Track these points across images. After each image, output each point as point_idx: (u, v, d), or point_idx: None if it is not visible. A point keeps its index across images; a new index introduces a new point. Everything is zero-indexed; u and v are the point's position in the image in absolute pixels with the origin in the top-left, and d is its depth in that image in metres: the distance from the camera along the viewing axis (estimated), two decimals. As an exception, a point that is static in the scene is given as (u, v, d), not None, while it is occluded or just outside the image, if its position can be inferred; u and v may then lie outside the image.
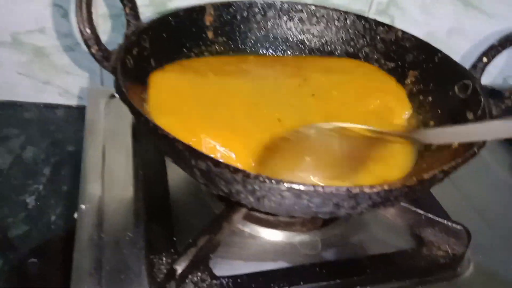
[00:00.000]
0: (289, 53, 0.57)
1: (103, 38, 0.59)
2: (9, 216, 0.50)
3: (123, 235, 0.41)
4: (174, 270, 0.34)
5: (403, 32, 0.53)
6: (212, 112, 0.43)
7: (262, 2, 0.55)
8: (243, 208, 0.41)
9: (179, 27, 0.50)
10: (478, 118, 0.40)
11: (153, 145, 0.47)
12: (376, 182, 0.30)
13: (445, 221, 0.42)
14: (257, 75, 0.51)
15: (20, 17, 0.58)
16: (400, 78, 0.52)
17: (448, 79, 0.47)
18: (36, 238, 0.49)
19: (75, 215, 0.42)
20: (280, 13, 0.56)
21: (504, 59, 0.71)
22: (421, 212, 0.43)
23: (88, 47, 0.38)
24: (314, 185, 0.29)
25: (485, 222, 0.48)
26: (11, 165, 0.56)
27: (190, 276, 0.36)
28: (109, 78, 0.40)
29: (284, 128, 0.43)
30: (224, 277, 0.37)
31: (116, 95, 0.39)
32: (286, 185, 0.29)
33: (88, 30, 0.37)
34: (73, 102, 0.66)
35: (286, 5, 0.56)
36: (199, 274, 0.36)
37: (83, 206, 0.43)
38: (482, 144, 0.34)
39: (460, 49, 0.69)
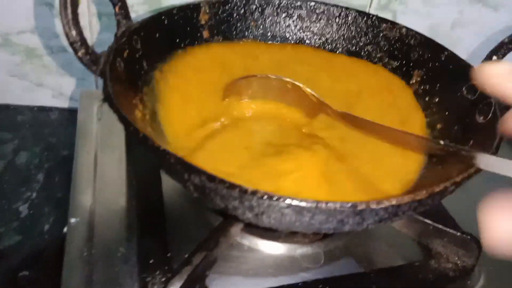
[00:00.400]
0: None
1: (97, 38, 0.59)
2: (1, 226, 0.48)
3: (115, 250, 0.39)
4: (169, 291, 0.32)
5: (408, 29, 0.50)
6: None
7: (259, -1, 0.53)
8: (241, 221, 0.39)
9: (172, 26, 0.48)
10: (489, 122, 0.38)
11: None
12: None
13: (454, 231, 0.40)
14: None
15: (10, 17, 0.56)
16: (405, 77, 0.50)
17: (455, 79, 0.44)
18: (29, 249, 0.47)
19: (65, 230, 0.40)
20: (278, 10, 0.54)
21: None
22: (429, 221, 0.41)
23: (75, 50, 0.36)
24: (317, 202, 0.27)
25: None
26: (3, 171, 0.54)
27: (185, 296, 0.34)
28: (104, 80, 0.38)
29: None
30: (222, 295, 0.35)
31: (108, 100, 0.36)
32: (286, 201, 0.27)
33: (74, 33, 0.35)
34: (67, 104, 0.65)
35: (284, 2, 0.54)
36: (195, 293, 0.34)
37: (73, 220, 0.41)
38: (494, 153, 0.32)
39: (465, 43, 0.68)
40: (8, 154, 0.56)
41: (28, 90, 0.63)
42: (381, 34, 0.52)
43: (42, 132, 0.61)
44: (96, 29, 0.58)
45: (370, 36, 0.53)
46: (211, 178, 0.27)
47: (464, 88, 0.43)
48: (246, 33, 0.54)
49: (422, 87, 0.48)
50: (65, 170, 0.55)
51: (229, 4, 0.52)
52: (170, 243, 0.39)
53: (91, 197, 0.43)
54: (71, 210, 0.42)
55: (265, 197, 0.27)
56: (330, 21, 0.54)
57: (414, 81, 0.49)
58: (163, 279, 0.35)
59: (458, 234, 0.40)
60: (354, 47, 0.54)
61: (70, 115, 0.63)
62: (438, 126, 0.45)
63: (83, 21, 0.56)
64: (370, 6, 0.62)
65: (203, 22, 0.51)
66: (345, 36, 0.54)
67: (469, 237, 0.40)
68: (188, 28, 0.50)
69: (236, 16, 0.52)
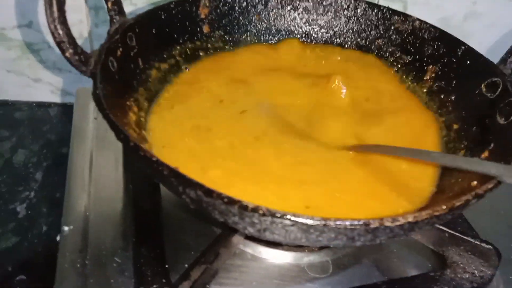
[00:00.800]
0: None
1: (95, 32, 0.56)
2: (-2, 227, 0.47)
3: (110, 261, 0.37)
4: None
5: (421, 22, 0.48)
6: None
7: (263, -10, 0.50)
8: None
9: (170, 21, 0.45)
10: (511, 124, 0.35)
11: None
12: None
13: (472, 240, 0.38)
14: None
15: (5, 12, 0.55)
16: (418, 73, 0.48)
17: (473, 76, 0.42)
18: (26, 251, 0.45)
19: (58, 238, 0.38)
20: (283, 2, 0.52)
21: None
22: (444, 229, 0.38)
23: (62, 50, 0.33)
24: (324, 219, 0.24)
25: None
26: (1, 170, 0.53)
27: (184, 312, 0.32)
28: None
29: None
30: (223, 310, 0.33)
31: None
32: (291, 219, 0.24)
33: (61, 31, 0.33)
34: (66, 100, 0.63)
35: (289, -7, 0.51)
36: (195, 308, 0.32)
37: (66, 228, 0.39)
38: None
39: (478, 36, 0.65)
40: (5, 152, 0.55)
41: (26, 86, 0.61)
42: (393, 27, 0.50)
43: (41, 129, 0.59)
44: (94, 23, 0.56)
45: (380, 29, 0.50)
46: (208, 192, 0.25)
47: (483, 85, 0.41)
48: (249, 27, 0.51)
49: (437, 84, 0.46)
50: (64, 168, 0.53)
51: (231, -3, 0.49)
52: (168, 253, 0.37)
53: (85, 202, 0.42)
54: (64, 217, 0.40)
55: (267, 213, 0.24)
56: (338, 14, 0.51)
57: (428, 77, 0.47)
58: (161, 294, 0.33)
59: (476, 242, 0.38)
60: (364, 41, 0.51)
61: (69, 111, 0.60)
62: (455, 126, 0.42)
63: (80, 15, 0.55)
64: (379, -3, 0.59)
65: (203, 16, 0.48)
66: (354, 29, 0.51)
67: (488, 246, 0.38)
68: (187, 23, 0.47)
69: (238, 9, 0.50)
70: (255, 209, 0.24)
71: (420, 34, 0.47)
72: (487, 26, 0.64)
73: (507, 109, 0.37)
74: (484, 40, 0.66)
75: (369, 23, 0.51)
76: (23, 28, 0.56)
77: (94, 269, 0.36)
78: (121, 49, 0.38)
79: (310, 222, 0.24)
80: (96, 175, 0.44)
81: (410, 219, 0.24)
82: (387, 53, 0.50)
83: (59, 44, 0.33)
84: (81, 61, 0.34)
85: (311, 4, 0.52)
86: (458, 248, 0.39)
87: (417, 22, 0.48)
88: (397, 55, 0.49)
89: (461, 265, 0.38)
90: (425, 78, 0.47)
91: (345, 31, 0.52)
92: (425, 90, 0.47)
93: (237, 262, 0.38)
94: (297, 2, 0.52)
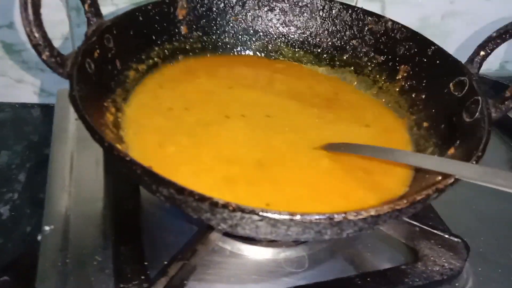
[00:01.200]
0: (269, 47, 0.53)
1: (76, 32, 0.57)
2: (-19, 228, 0.47)
3: (90, 259, 0.37)
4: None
5: (394, 22, 0.49)
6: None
7: (240, -8, 0.51)
8: (219, 229, 0.37)
9: (148, 22, 0.46)
10: (476, 122, 0.37)
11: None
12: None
13: (442, 234, 0.39)
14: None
15: None
16: (391, 72, 0.49)
17: (442, 75, 0.43)
18: (10, 252, 0.45)
19: (39, 238, 0.39)
20: (260, 3, 0.52)
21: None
22: (416, 223, 0.39)
23: (38, 53, 0.34)
24: (291, 214, 0.25)
25: (485, 229, 0.45)
26: (-16, 172, 0.52)
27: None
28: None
29: None
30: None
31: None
32: (259, 214, 0.25)
33: (37, 34, 0.33)
34: (49, 101, 0.63)
35: (266, -6, 0.52)
36: (173, 303, 0.33)
37: (47, 228, 0.39)
38: (480, 156, 0.31)
39: (456, 34, 0.67)
40: (-12, 154, 0.54)
41: (8, 86, 0.61)
42: (366, 28, 0.50)
43: (24, 130, 0.59)
44: (75, 23, 0.56)
45: (355, 30, 0.51)
46: (180, 190, 0.26)
47: (451, 84, 0.42)
48: (227, 28, 0.52)
49: (408, 83, 0.47)
50: (47, 169, 0.53)
51: (208, -2, 0.50)
52: (147, 250, 0.37)
53: (66, 202, 0.42)
54: (45, 217, 0.40)
55: (237, 209, 0.25)
56: (313, 15, 0.52)
57: (400, 76, 0.48)
58: (140, 289, 0.34)
59: (446, 236, 0.39)
60: (339, 42, 0.52)
61: (52, 112, 0.60)
62: (425, 124, 0.43)
63: (61, 15, 0.55)
64: (358, -3, 0.60)
65: (180, 17, 0.49)
66: (330, 30, 0.52)
67: (457, 239, 0.39)
68: (165, 24, 0.48)
69: (215, 10, 0.51)
70: (225, 205, 0.25)
71: (393, 35, 0.48)
72: (465, 24, 0.66)
73: (472, 107, 0.38)
74: (462, 38, 0.67)
75: (343, 24, 0.51)
76: (4, 29, 0.56)
77: (74, 267, 0.36)
78: (98, 50, 0.39)
79: (277, 216, 0.25)
80: (77, 176, 0.45)
81: (373, 212, 0.26)
82: (361, 53, 0.51)
83: (35, 46, 0.33)
84: (57, 63, 0.35)
85: (288, 5, 0.52)
86: (429, 242, 0.40)
87: (389, 23, 0.49)
88: (371, 55, 0.50)
89: (432, 258, 0.39)
90: (397, 78, 0.48)
91: (320, 31, 0.52)
92: (397, 89, 0.48)
93: (216, 258, 0.39)
94: (274, 3, 0.52)
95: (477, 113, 0.37)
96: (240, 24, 0.52)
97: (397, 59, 0.48)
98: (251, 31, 0.53)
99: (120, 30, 0.42)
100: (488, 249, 0.43)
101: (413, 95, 0.46)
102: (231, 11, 0.51)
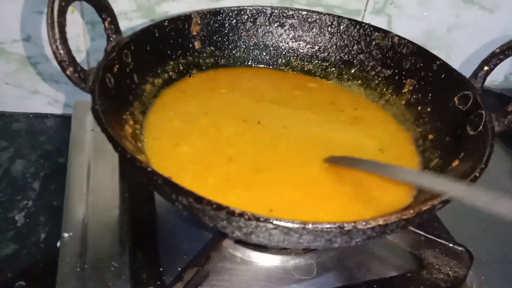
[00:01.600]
0: (279, 61, 0.55)
1: (91, 45, 0.58)
2: (-3, 235, 0.48)
3: (108, 265, 0.38)
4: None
5: (400, 38, 0.50)
6: None
7: (251, 9, 0.53)
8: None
9: (163, 38, 0.48)
10: (479, 135, 0.38)
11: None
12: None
13: (446, 243, 0.40)
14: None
15: (4, 26, 0.56)
16: (397, 86, 0.50)
17: (447, 89, 0.44)
18: (25, 258, 0.46)
19: (58, 244, 0.40)
20: (270, 19, 0.54)
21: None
22: (420, 232, 0.41)
23: (63, 69, 0.36)
24: (303, 223, 0.27)
25: (489, 238, 0.46)
26: (0, 180, 0.54)
27: (177, 311, 0.34)
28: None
29: None
30: (214, 310, 0.35)
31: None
32: (274, 223, 0.27)
33: (62, 52, 0.35)
34: (62, 111, 0.65)
35: (276, 11, 0.54)
36: (187, 308, 0.35)
37: (65, 235, 0.41)
38: (483, 168, 0.32)
39: (462, 47, 0.68)
40: (3, 162, 0.56)
41: (23, 97, 0.62)
42: (374, 43, 0.52)
43: (38, 139, 0.60)
44: (90, 37, 0.58)
45: (362, 44, 0.53)
46: (198, 199, 0.28)
47: (455, 98, 0.43)
48: (239, 43, 0.53)
49: (414, 96, 0.48)
50: (61, 178, 0.54)
51: (221, 15, 0.51)
52: (163, 257, 0.39)
53: (84, 210, 0.43)
54: (64, 224, 0.42)
55: (252, 218, 0.27)
56: (322, 30, 0.54)
57: (406, 90, 0.49)
58: (155, 295, 0.35)
59: (450, 245, 0.41)
60: (346, 56, 0.54)
61: (66, 122, 0.62)
62: (430, 136, 0.45)
63: (77, 29, 0.56)
64: (365, 10, 0.62)
65: (194, 33, 0.51)
66: (338, 45, 0.54)
67: (461, 248, 0.40)
68: (180, 40, 0.49)
69: (228, 26, 0.52)
70: (241, 214, 0.27)
71: (399, 49, 0.50)
72: (469, 37, 0.66)
73: (476, 120, 0.39)
74: (466, 51, 0.68)
75: (351, 39, 0.53)
76: (22, 42, 0.57)
77: (93, 273, 0.37)
78: (117, 66, 0.40)
79: (290, 225, 0.27)
80: (94, 184, 0.46)
81: (381, 222, 0.27)
82: (369, 67, 0.52)
83: (60, 63, 0.35)
84: (80, 78, 0.36)
85: (297, 21, 0.54)
86: (434, 250, 0.41)
87: (396, 38, 0.50)
88: (378, 69, 0.52)
89: (436, 266, 0.41)
90: (403, 91, 0.50)
91: (329, 46, 0.54)
92: (403, 102, 0.49)
93: (227, 265, 0.40)
94: (284, 19, 0.54)
95: (481, 127, 0.38)
96: (251, 39, 0.54)
97: (403, 73, 0.50)
98: (262, 46, 0.54)
99: (137, 46, 0.43)
100: (491, 258, 0.44)
101: (419, 108, 0.47)
102: (242, 27, 0.53)
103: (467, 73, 0.45)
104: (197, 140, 0.43)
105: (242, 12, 0.52)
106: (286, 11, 0.54)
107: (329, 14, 0.53)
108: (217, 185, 0.38)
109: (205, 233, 0.42)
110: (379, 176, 0.39)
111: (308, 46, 0.55)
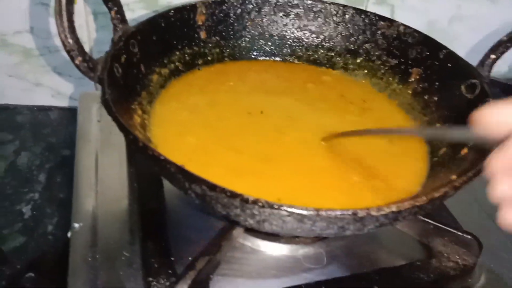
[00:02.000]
0: (284, 51, 0.55)
1: (94, 37, 0.58)
2: (5, 227, 0.48)
3: (119, 254, 0.39)
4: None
5: (406, 27, 0.50)
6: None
7: (256, -2, 0.52)
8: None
9: (169, 28, 0.47)
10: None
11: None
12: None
13: (455, 231, 0.40)
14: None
15: (6, 17, 0.56)
16: (404, 75, 0.50)
17: (454, 78, 0.44)
18: (33, 250, 0.47)
19: (69, 234, 0.40)
20: (275, 9, 0.54)
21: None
22: (429, 221, 0.41)
23: (72, 58, 0.36)
24: (317, 210, 0.27)
25: (497, 227, 0.45)
26: (5, 172, 0.54)
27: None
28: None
29: None
30: (225, 298, 0.35)
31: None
32: (287, 210, 0.27)
33: (71, 41, 0.35)
34: (66, 103, 0.65)
35: (281, 0, 0.53)
36: (199, 296, 0.35)
37: (76, 225, 0.41)
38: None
39: (463, 38, 0.68)
40: (9, 155, 0.56)
41: (27, 90, 0.62)
42: (379, 32, 0.52)
43: (42, 132, 0.61)
44: (93, 28, 0.58)
45: (368, 34, 0.53)
46: (212, 187, 0.28)
47: (463, 87, 0.43)
48: (244, 32, 0.53)
49: (421, 85, 0.48)
50: (66, 170, 0.55)
51: (226, 4, 0.51)
52: (173, 246, 0.39)
53: (93, 201, 0.43)
54: (74, 215, 0.42)
55: (266, 205, 0.27)
56: (327, 20, 0.54)
57: (413, 79, 0.49)
58: (168, 283, 0.35)
59: (459, 233, 0.41)
60: (352, 45, 0.54)
61: (69, 114, 0.63)
62: (437, 125, 0.45)
63: (80, 20, 0.56)
64: (368, 0, 0.62)
65: (200, 23, 0.50)
66: (343, 34, 0.54)
67: (469, 236, 0.40)
68: (185, 30, 0.49)
69: (233, 16, 0.52)
70: (255, 201, 0.27)
71: (405, 39, 0.50)
72: (471, 28, 0.66)
73: (484, 109, 0.39)
74: (468, 42, 0.68)
75: (357, 28, 0.53)
76: (24, 34, 0.57)
77: (104, 262, 0.38)
78: (124, 55, 0.40)
79: (304, 212, 0.27)
80: (102, 175, 0.46)
81: (394, 208, 0.27)
82: (375, 57, 0.52)
83: (69, 52, 0.35)
84: (89, 68, 0.36)
85: (302, 10, 0.54)
86: (443, 239, 0.41)
87: (401, 27, 0.50)
88: (384, 58, 0.52)
89: (446, 254, 0.41)
90: (410, 80, 0.50)
91: (334, 36, 0.54)
92: (410, 92, 0.49)
93: (237, 254, 0.40)
94: (289, 8, 0.54)
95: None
96: (256, 29, 0.54)
97: (410, 62, 0.50)
98: (267, 35, 0.54)
99: (144, 36, 0.43)
100: (500, 247, 0.44)
101: (426, 97, 0.47)
102: (247, 17, 0.53)
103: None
104: (204, 131, 0.43)
105: (247, 2, 0.52)
106: (291, 0, 0.53)
107: (334, 3, 0.53)
108: (223, 175, 0.38)
109: (214, 222, 0.42)
110: (387, 164, 0.39)
111: (314, 35, 0.55)
